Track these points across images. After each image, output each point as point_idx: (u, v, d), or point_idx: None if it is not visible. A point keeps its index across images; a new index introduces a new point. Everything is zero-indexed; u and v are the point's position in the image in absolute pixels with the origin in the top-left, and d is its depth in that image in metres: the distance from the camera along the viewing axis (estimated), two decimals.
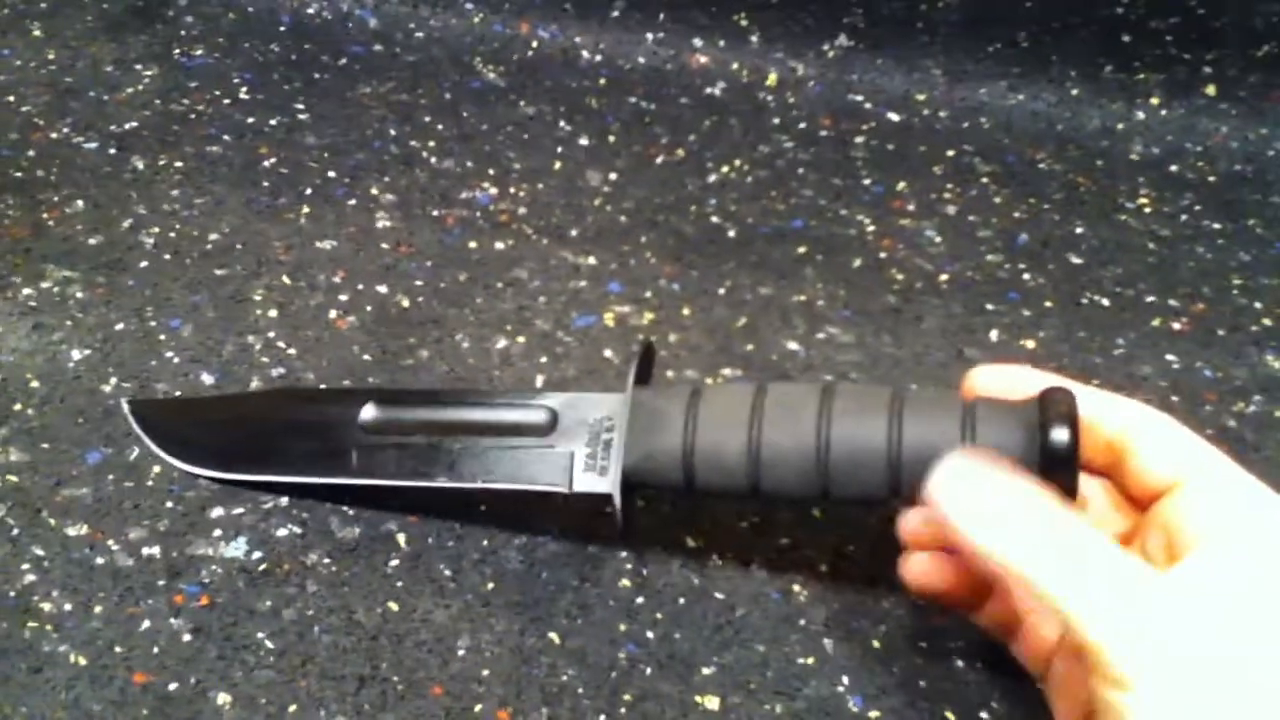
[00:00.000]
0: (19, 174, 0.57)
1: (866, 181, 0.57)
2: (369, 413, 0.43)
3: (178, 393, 0.48)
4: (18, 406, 0.47)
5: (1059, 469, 0.33)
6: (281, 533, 0.43)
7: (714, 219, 0.55)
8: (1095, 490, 0.35)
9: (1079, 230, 0.55)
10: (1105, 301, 0.52)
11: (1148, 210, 0.56)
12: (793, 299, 0.51)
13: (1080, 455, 0.33)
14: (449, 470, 0.42)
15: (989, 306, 0.51)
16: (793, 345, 0.50)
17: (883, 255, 0.53)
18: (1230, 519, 0.30)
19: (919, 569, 0.37)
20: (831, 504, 0.39)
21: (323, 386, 0.47)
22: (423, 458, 0.42)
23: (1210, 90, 0.59)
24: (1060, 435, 0.32)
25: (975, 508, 0.31)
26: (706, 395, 0.39)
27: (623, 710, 0.39)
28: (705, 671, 0.39)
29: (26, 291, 0.52)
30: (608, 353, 0.49)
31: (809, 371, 0.48)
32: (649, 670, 0.40)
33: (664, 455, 0.38)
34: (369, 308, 0.51)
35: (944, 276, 0.52)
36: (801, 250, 0.54)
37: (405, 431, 0.42)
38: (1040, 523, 0.29)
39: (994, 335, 0.50)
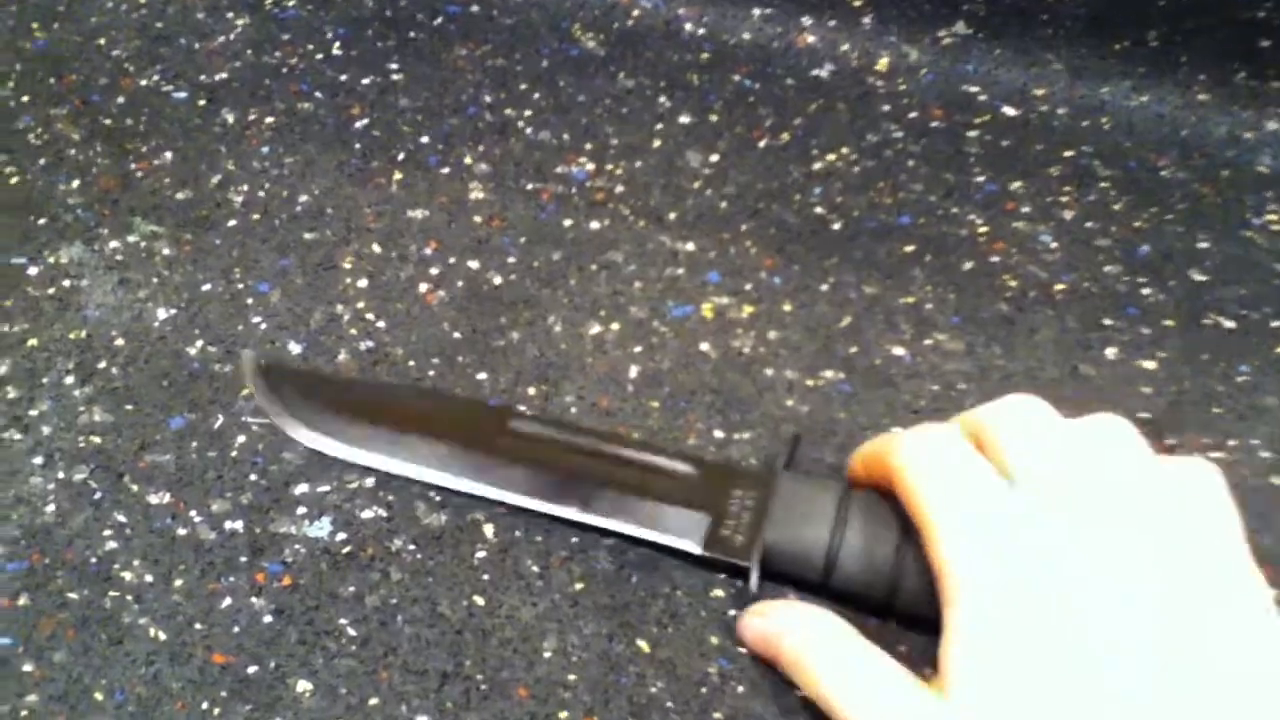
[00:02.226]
0: (109, 121, 0.56)
1: (979, 179, 0.54)
2: (513, 428, 0.43)
3: (263, 360, 0.46)
4: (102, 365, 0.46)
5: None
6: (367, 515, 0.42)
7: (818, 209, 0.53)
8: None
9: (1202, 245, 0.52)
10: (1229, 324, 0.49)
11: (1275, 228, 0.53)
12: (899, 300, 0.49)
13: None
14: (583, 503, 0.41)
15: (1106, 321, 0.49)
16: (898, 351, 0.47)
17: (995, 259, 0.51)
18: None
19: None
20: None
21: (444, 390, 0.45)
22: (559, 486, 0.41)
23: None
24: None
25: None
26: (859, 497, 0.38)
27: None
28: (799, 694, 0.38)
29: (113, 245, 0.51)
30: (704, 346, 0.47)
31: (914, 380, 0.46)
32: (741, 688, 0.38)
33: (809, 544, 0.38)
34: (460, 283, 0.50)
35: (1059, 286, 0.50)
36: (909, 249, 0.51)
37: (546, 456, 0.42)
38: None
39: (1110, 353, 0.48)
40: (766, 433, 0.45)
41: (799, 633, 0.36)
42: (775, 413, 0.46)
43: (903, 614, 0.38)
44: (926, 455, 0.35)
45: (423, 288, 0.49)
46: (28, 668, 0.39)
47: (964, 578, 0.32)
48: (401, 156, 0.55)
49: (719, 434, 0.45)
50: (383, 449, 0.43)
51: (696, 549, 0.40)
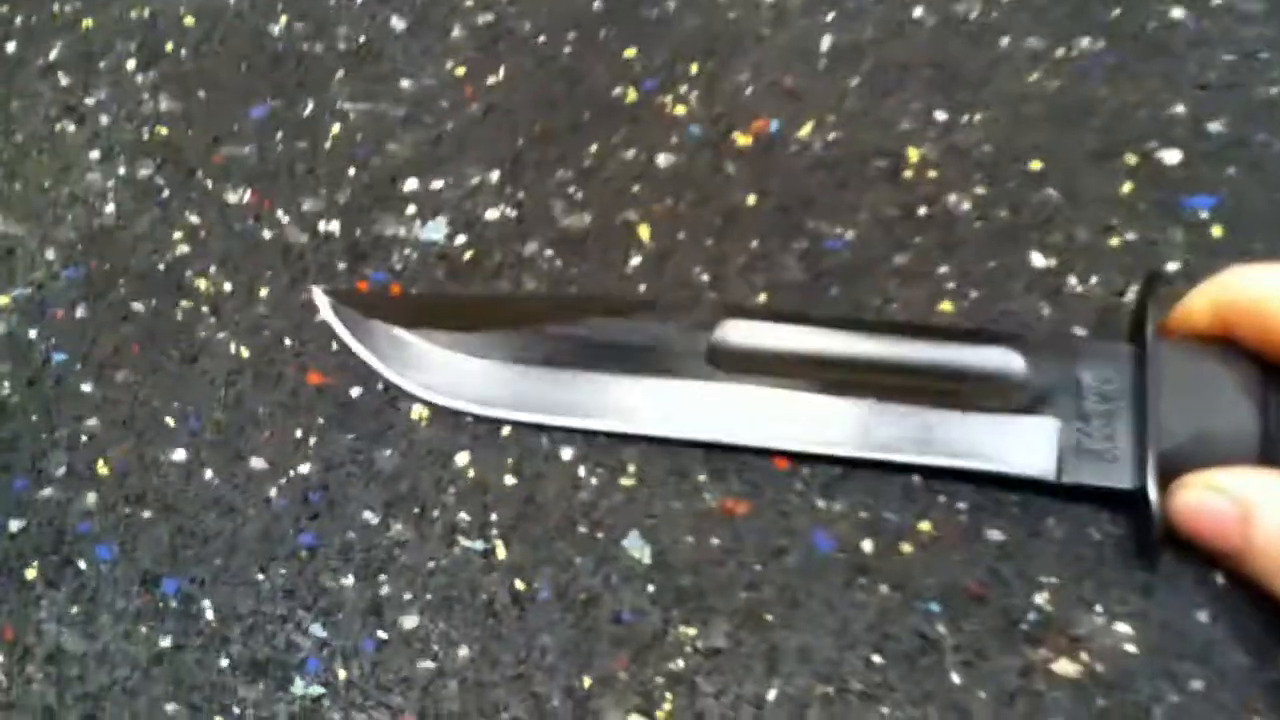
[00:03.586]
0: None
1: None
2: (725, 336, 0.29)
3: (361, 37, 0.37)
4: (169, 47, 0.38)
5: None
6: (492, 215, 0.34)
7: None
8: None
9: None
10: None
11: None
12: None
13: None
14: (858, 431, 0.28)
15: None
16: (1177, 13, 0.36)
17: None
18: None
19: None
20: None
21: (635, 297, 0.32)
22: (817, 411, 0.28)
23: None
24: None
25: None
26: None
27: None
28: None
29: None
30: (917, 11, 0.37)
31: (1200, 48, 0.35)
32: None
33: (1230, 442, 0.25)
34: None
35: None
36: None
37: (782, 370, 0.29)
38: None
39: None
40: (1004, 115, 0.34)
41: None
42: (1014, 90, 0.35)
43: None
44: None
45: None
46: (87, 388, 0.32)
47: None
48: None
49: (940, 116, 0.35)
50: (543, 405, 0.30)
51: (1050, 474, 0.27)
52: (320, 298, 0.32)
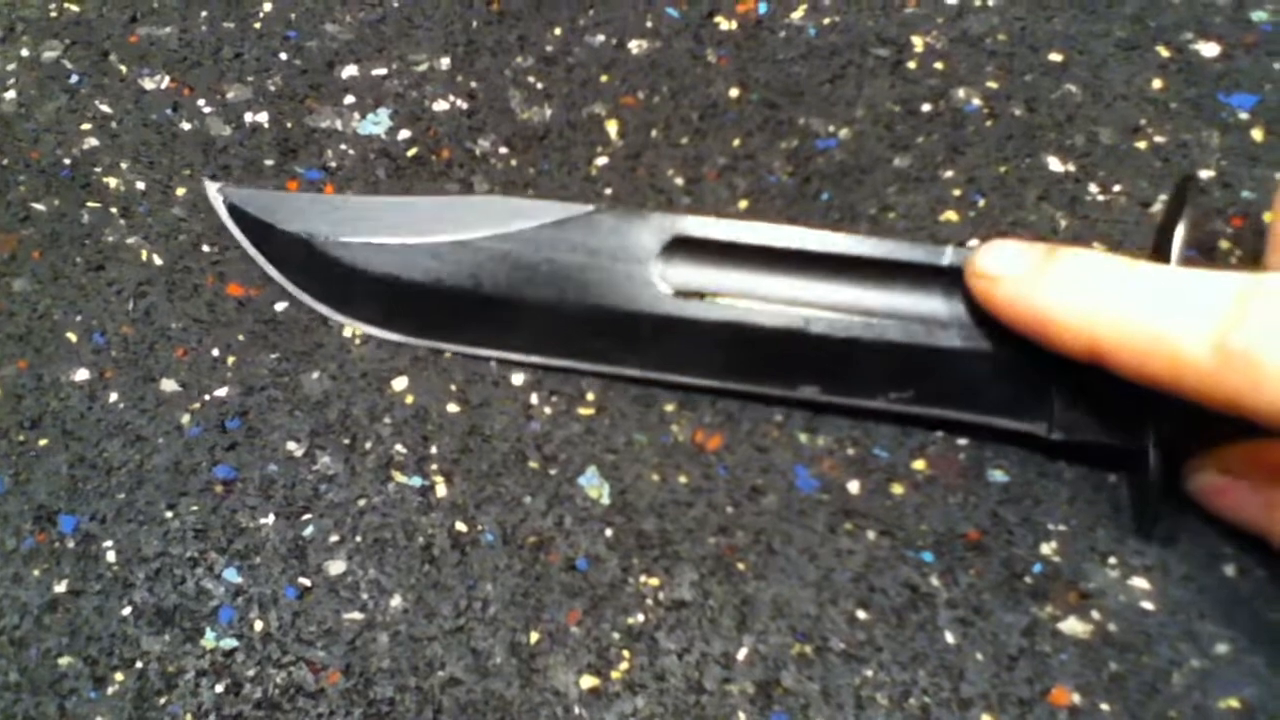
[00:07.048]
0: None
1: None
2: (672, 257, 0.25)
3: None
4: None
5: None
6: (441, 106, 0.30)
7: None
8: None
9: None
10: None
11: None
12: None
13: None
14: (816, 373, 0.25)
15: None
16: None
17: None
18: None
19: None
20: None
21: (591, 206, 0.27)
22: (771, 344, 0.25)
23: None
24: None
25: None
26: None
27: None
28: None
29: None
30: None
31: None
32: None
33: None
34: None
35: None
36: None
37: (737, 294, 0.25)
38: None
39: None
40: None
41: (1055, 270, 0.22)
42: None
43: None
44: None
45: None
46: None
47: None
48: None
49: (950, 0, 0.30)
50: (464, 330, 0.26)
51: (1041, 431, 0.24)
52: (214, 195, 0.28)
